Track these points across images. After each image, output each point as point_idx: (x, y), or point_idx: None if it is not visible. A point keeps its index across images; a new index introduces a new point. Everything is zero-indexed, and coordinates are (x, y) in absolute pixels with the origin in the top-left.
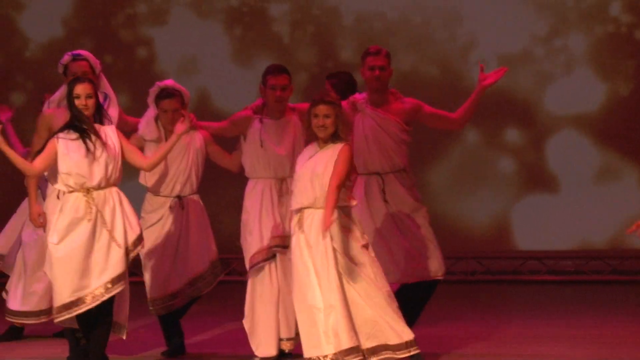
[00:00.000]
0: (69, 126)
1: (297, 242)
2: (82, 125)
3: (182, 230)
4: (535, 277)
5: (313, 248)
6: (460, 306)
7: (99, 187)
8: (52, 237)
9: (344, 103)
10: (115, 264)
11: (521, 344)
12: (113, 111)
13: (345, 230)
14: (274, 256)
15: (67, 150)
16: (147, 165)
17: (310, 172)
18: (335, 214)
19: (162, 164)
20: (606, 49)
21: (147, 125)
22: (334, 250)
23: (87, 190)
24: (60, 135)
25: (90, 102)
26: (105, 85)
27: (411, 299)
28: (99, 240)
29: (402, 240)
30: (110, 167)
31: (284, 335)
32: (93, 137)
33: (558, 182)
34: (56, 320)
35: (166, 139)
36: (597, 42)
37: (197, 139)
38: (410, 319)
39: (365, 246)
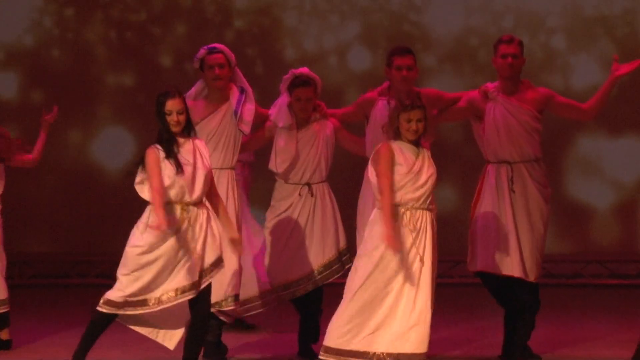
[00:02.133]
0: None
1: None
2: (171, 144)
3: (310, 217)
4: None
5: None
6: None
7: (194, 203)
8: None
9: (474, 92)
10: (185, 276)
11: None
12: (250, 105)
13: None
14: None
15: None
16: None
17: (430, 177)
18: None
19: (294, 151)
20: None
21: (279, 112)
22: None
23: (186, 204)
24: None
25: (182, 118)
26: (241, 79)
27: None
28: (183, 252)
29: (514, 236)
30: (206, 182)
31: None
32: (183, 155)
33: None
34: (120, 315)
35: (298, 127)
36: None
37: (327, 127)
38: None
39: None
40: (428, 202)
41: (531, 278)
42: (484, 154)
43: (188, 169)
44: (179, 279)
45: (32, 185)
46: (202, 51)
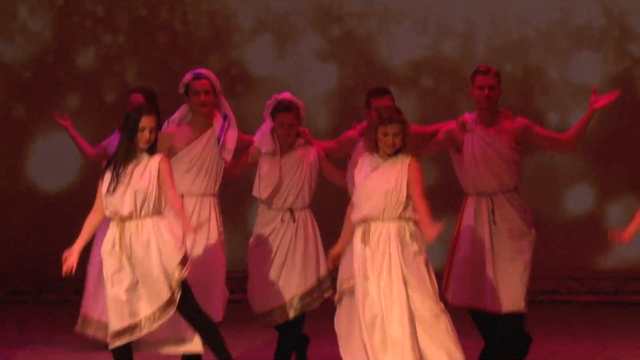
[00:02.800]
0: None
1: (361, 254)
2: (127, 158)
3: (292, 243)
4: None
5: (377, 260)
6: None
7: (130, 218)
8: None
9: (452, 123)
10: (159, 292)
11: None
12: (232, 133)
13: (411, 243)
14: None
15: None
16: (175, 208)
17: (383, 186)
18: (411, 225)
19: (278, 177)
20: None
21: (262, 137)
22: (400, 261)
23: (121, 220)
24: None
25: (153, 136)
26: (225, 106)
27: (488, 329)
28: (138, 271)
29: (491, 268)
30: (139, 199)
31: None
32: (129, 168)
33: None
34: (111, 347)
35: (281, 153)
36: None
37: (311, 153)
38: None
39: (426, 261)
40: (391, 214)
41: (514, 308)
42: (463, 186)
43: (120, 187)
44: (151, 300)
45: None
46: (188, 76)
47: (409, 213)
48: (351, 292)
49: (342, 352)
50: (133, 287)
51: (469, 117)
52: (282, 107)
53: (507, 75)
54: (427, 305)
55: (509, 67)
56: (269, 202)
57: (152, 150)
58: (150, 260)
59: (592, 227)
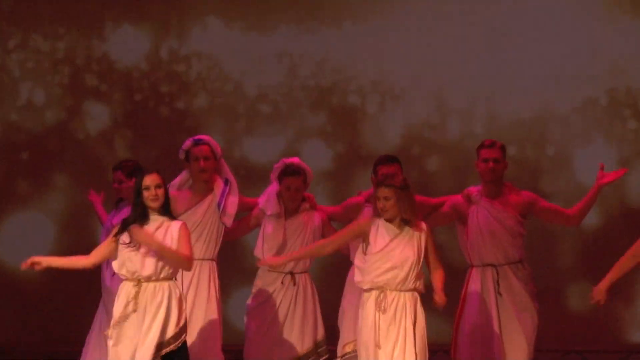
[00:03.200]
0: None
1: (374, 322)
2: (142, 220)
3: (291, 306)
4: None
5: (393, 330)
6: None
7: (149, 280)
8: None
9: (457, 196)
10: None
11: None
12: (233, 198)
13: (421, 315)
14: None
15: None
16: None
17: (407, 257)
18: (418, 297)
19: (281, 240)
20: None
21: (268, 200)
22: (414, 333)
23: (138, 281)
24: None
25: (160, 192)
26: (226, 170)
27: None
28: (143, 332)
29: (499, 338)
30: (161, 261)
31: None
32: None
33: None
34: None
35: (286, 216)
36: None
37: (316, 218)
38: None
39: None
40: (405, 283)
41: None
42: (468, 257)
43: (142, 248)
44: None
45: None
46: (188, 142)
47: (420, 284)
48: (354, 355)
49: None
50: (134, 351)
51: (474, 189)
52: (290, 172)
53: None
54: None
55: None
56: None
57: (166, 210)
58: (152, 325)
59: None
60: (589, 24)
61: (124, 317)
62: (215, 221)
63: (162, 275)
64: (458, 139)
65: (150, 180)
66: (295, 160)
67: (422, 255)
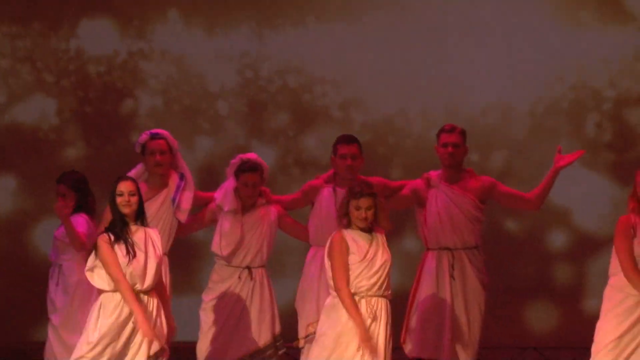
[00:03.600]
0: (110, 229)
1: (349, 326)
2: (123, 229)
3: (248, 301)
4: None
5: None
6: None
7: (147, 291)
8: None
9: (418, 180)
10: None
11: None
12: (188, 194)
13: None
14: None
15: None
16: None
17: (382, 262)
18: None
19: (239, 235)
20: None
21: (225, 195)
22: (385, 339)
23: (136, 293)
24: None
25: (134, 199)
26: (182, 165)
27: None
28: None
29: (449, 320)
30: (158, 271)
31: None
32: (135, 241)
33: None
34: None
35: (243, 211)
36: None
37: (272, 212)
38: None
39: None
40: (383, 288)
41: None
42: (425, 241)
43: (140, 256)
44: None
45: None
46: (144, 136)
47: (390, 290)
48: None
49: None
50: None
51: (434, 174)
52: (248, 168)
53: None
54: None
55: None
56: (228, 260)
57: (141, 218)
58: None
59: None
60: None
61: (112, 329)
62: (169, 216)
63: (153, 286)
64: (420, 138)
65: (124, 186)
66: (252, 156)
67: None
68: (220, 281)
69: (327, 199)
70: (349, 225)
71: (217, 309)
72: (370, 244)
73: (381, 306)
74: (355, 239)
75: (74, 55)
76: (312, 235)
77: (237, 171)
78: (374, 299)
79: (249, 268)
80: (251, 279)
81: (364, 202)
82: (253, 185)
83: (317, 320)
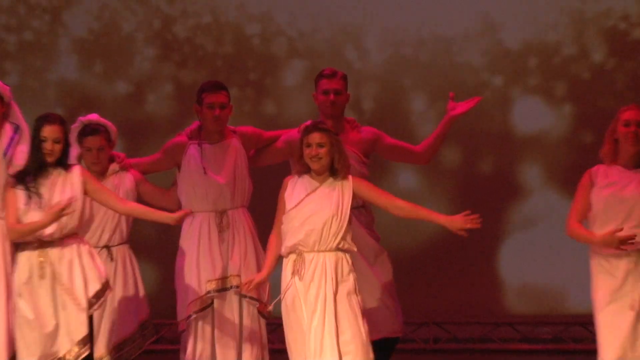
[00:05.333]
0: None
1: (293, 287)
2: (34, 175)
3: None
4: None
5: (311, 297)
6: None
7: (52, 239)
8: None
9: (294, 131)
10: (79, 327)
11: None
12: (23, 147)
13: (348, 280)
14: (211, 304)
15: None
16: (123, 209)
17: (321, 212)
18: (348, 258)
19: (88, 211)
20: None
21: None
22: (335, 300)
23: (41, 244)
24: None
25: (57, 147)
26: (18, 116)
27: None
28: (60, 301)
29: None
30: (64, 218)
31: None
32: (46, 188)
33: None
34: None
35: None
36: None
37: (127, 180)
38: None
39: (359, 301)
40: (328, 243)
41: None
42: None
43: (42, 202)
44: (71, 333)
45: None
46: None
47: (347, 244)
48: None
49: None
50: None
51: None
52: (89, 131)
53: None
54: (357, 349)
55: None
56: None
57: (63, 163)
58: (74, 289)
59: None
60: None
61: (28, 290)
62: (0, 173)
63: (64, 234)
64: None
65: (49, 131)
66: (93, 116)
67: (344, 208)
68: None
69: (195, 157)
70: (304, 170)
71: None
72: (310, 193)
73: (323, 262)
74: (296, 186)
75: None
76: (185, 201)
77: (79, 136)
78: (311, 255)
79: (107, 247)
80: (111, 259)
81: (314, 137)
82: (98, 150)
83: (196, 300)
